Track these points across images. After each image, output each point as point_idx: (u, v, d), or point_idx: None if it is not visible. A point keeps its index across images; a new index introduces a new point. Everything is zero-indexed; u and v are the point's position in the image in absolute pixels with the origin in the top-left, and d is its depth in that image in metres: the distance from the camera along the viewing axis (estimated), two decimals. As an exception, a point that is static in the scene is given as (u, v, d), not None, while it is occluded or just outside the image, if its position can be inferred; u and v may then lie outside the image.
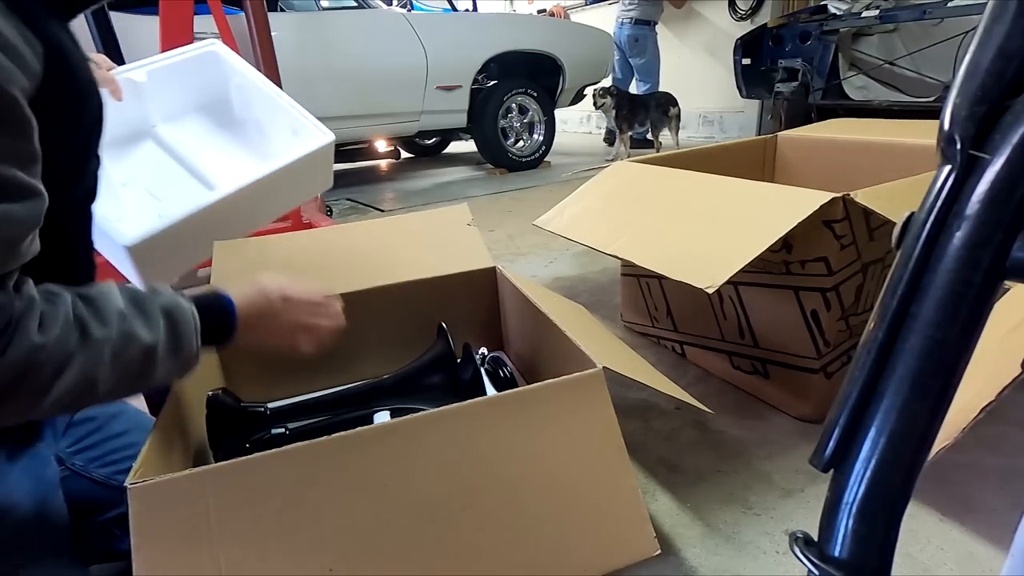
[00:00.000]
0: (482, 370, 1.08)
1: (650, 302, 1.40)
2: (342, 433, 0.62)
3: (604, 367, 0.71)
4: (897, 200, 0.90)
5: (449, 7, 4.03)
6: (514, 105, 3.79)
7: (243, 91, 1.49)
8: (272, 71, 2.13)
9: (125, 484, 0.54)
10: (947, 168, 0.25)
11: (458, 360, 0.93)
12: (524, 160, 3.89)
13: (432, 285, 1.10)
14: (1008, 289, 0.76)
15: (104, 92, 0.64)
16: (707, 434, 1.07)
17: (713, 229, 0.98)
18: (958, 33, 2.68)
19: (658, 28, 4.55)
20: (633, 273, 1.44)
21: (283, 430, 0.87)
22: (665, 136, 4.06)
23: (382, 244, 1.19)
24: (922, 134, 1.33)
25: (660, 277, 1.31)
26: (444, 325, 0.94)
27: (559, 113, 4.12)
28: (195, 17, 1.82)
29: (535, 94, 3.84)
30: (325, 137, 1.38)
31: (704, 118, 5.01)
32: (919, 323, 0.26)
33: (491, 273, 1.15)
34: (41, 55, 0.49)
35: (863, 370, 0.27)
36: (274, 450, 0.60)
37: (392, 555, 0.60)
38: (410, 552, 0.60)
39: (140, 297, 0.57)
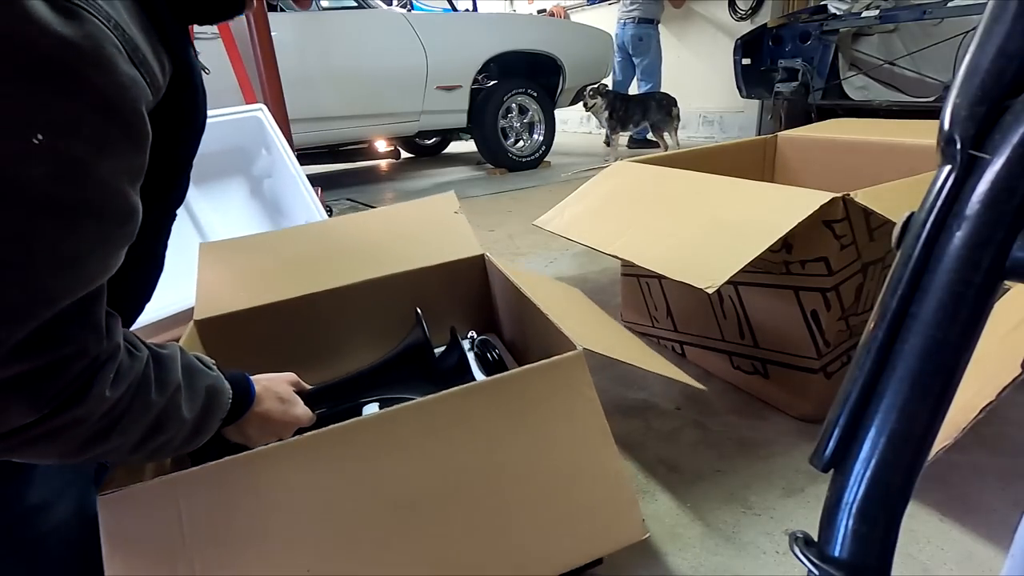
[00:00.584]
0: (471, 354, 1.08)
1: (650, 302, 1.40)
2: (312, 432, 0.62)
3: (586, 349, 0.70)
4: (897, 200, 0.90)
5: (449, 7, 4.03)
6: (514, 105, 3.79)
7: (270, 159, 1.63)
8: (272, 71, 2.13)
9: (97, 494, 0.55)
10: (947, 168, 0.25)
11: (444, 345, 0.93)
12: (524, 160, 3.89)
13: (421, 275, 1.11)
14: (1008, 289, 0.76)
15: None
16: (707, 434, 1.07)
17: (713, 229, 0.98)
18: (958, 33, 2.68)
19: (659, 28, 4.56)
20: (633, 273, 1.44)
21: None
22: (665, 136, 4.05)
23: (371, 237, 1.20)
24: (922, 134, 1.33)
25: (660, 277, 1.31)
26: (419, 311, 0.93)
27: (559, 113, 4.12)
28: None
29: (535, 94, 3.84)
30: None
31: (704, 118, 5.00)
32: (919, 323, 0.26)
33: (480, 261, 1.16)
34: (169, 71, 0.51)
35: (863, 370, 0.27)
36: (244, 453, 0.60)
37: (373, 552, 0.59)
38: (392, 547, 0.60)
39: (194, 370, 0.57)
